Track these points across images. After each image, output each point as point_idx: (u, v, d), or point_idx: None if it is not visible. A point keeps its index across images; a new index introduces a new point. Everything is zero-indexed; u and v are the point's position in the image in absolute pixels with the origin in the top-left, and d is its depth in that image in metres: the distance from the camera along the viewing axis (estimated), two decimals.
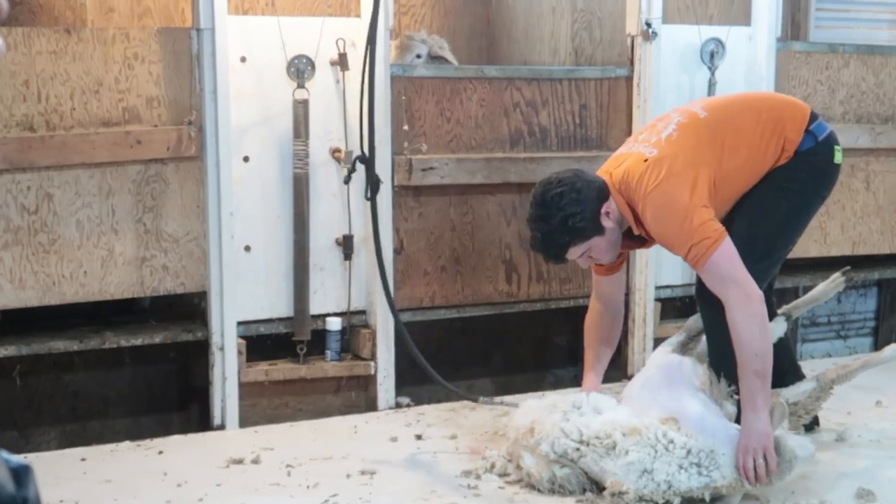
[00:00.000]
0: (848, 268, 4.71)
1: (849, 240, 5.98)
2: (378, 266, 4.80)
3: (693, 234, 3.83)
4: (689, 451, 3.81)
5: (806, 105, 4.29)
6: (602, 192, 4.02)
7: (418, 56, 5.63)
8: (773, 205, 4.11)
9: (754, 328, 3.79)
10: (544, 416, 4.01)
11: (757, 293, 3.83)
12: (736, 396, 3.99)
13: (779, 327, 4.40)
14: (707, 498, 3.81)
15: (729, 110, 4.20)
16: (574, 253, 4.04)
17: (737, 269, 3.83)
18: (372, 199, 4.77)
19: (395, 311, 4.83)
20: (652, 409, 3.97)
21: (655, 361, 4.26)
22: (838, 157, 4.21)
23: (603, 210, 4.00)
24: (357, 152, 4.81)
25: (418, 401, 5.20)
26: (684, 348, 4.27)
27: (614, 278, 4.40)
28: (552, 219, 3.97)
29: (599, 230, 4.00)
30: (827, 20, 6.92)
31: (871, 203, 6.03)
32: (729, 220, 4.12)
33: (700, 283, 4.08)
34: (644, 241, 4.19)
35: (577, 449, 3.88)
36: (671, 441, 3.81)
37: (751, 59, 5.62)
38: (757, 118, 4.14)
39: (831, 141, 4.21)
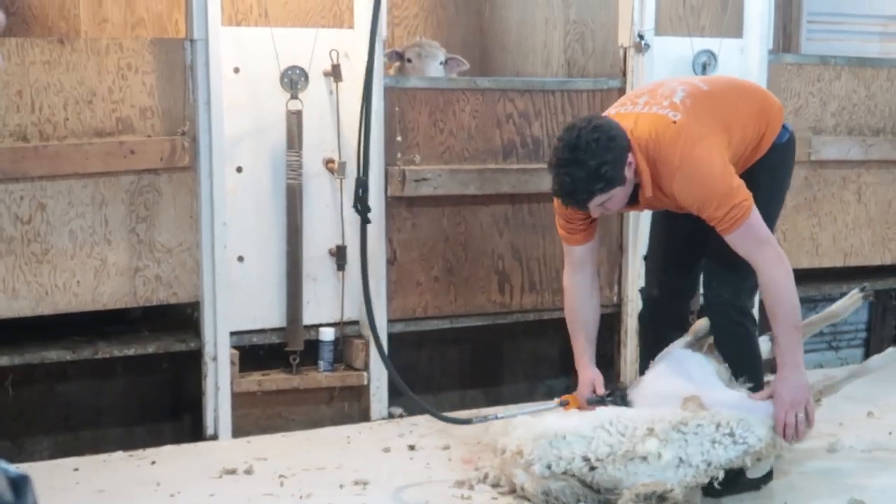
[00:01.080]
0: (865, 285, 4.73)
1: (840, 251, 6.00)
2: (363, 283, 4.80)
3: (733, 196, 3.87)
4: (718, 425, 3.84)
5: (778, 100, 4.36)
6: (628, 144, 3.95)
7: (442, 63, 5.66)
8: (765, 204, 4.10)
9: (791, 284, 3.92)
10: (532, 441, 4.00)
11: (784, 254, 3.95)
12: (748, 385, 4.05)
13: (851, 301, 4.60)
14: (749, 464, 3.85)
15: (727, 90, 4.23)
16: (597, 201, 3.94)
17: (767, 231, 3.93)
18: (362, 225, 4.80)
19: (375, 327, 4.80)
20: (670, 398, 3.98)
21: (666, 357, 4.26)
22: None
23: (628, 160, 3.93)
24: (351, 163, 4.82)
25: (411, 411, 5.19)
26: (694, 348, 4.28)
27: (589, 246, 4.31)
28: (586, 164, 3.84)
29: (623, 181, 3.93)
30: (818, 33, 6.95)
31: (862, 215, 6.05)
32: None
33: (711, 292, 4.13)
34: (635, 202, 4.13)
35: (592, 468, 3.87)
36: (698, 424, 3.83)
37: (743, 71, 5.63)
38: (751, 102, 4.19)
39: (794, 138, 4.32)
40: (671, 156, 3.92)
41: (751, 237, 3.90)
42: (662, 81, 4.31)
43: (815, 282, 6.13)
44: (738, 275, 4.12)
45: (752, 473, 4.00)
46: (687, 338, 4.32)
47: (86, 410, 4.97)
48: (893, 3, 7.20)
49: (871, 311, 6.72)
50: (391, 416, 5.10)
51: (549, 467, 3.90)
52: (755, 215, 3.88)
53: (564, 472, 3.88)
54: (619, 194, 3.97)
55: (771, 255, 3.90)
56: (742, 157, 4.14)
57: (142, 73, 4.58)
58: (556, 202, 4.16)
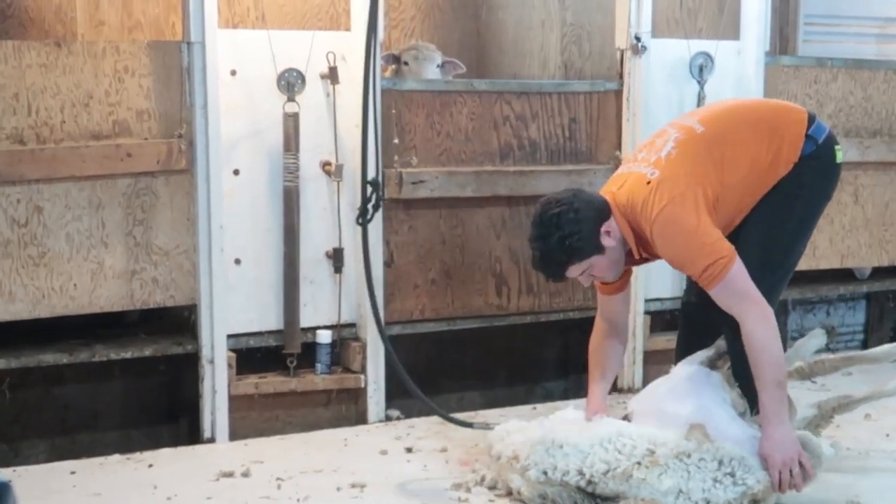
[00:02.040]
0: None
1: (837, 253, 6.00)
2: (367, 285, 4.81)
3: (707, 255, 3.85)
4: (720, 462, 3.81)
5: (802, 108, 4.29)
6: (602, 212, 4.00)
7: (439, 66, 5.66)
8: (785, 214, 4.11)
9: (773, 341, 3.85)
10: (528, 447, 3.99)
11: (769, 308, 3.89)
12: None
13: (816, 341, 4.54)
14: None
15: (726, 123, 4.17)
16: (574, 272, 4.02)
17: (750, 285, 3.87)
18: (363, 223, 4.80)
19: (383, 330, 4.82)
20: (676, 420, 3.97)
21: (681, 372, 4.22)
22: (839, 157, 4.23)
23: (603, 229, 3.97)
24: (348, 165, 4.83)
25: (408, 414, 5.20)
26: (713, 364, 4.25)
27: (620, 297, 4.36)
28: (550, 238, 3.95)
29: (599, 249, 3.98)
30: (815, 34, 6.95)
31: (859, 216, 6.06)
32: (741, 233, 4.13)
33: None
34: (647, 259, 4.18)
35: (589, 482, 3.86)
36: (701, 458, 3.82)
37: (739, 73, 5.65)
38: (755, 130, 4.13)
39: (831, 142, 4.21)
40: (644, 220, 3.96)
41: (730, 293, 3.88)
42: (663, 129, 4.26)
43: (813, 283, 6.14)
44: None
45: None
46: (708, 352, 4.27)
47: (83, 413, 4.97)
48: (890, 5, 7.20)
49: (869, 312, 6.73)
50: (388, 418, 5.10)
51: (544, 473, 3.90)
52: (735, 270, 3.85)
53: (560, 481, 3.88)
54: (602, 262, 4.03)
55: (753, 311, 3.86)
56: (760, 182, 4.11)
57: (138, 76, 4.58)
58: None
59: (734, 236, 4.08)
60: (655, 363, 5.61)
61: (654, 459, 3.82)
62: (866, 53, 7.01)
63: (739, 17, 5.67)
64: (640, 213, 3.96)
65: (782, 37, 6.75)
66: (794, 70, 5.86)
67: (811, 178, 4.16)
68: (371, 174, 4.84)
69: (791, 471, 3.82)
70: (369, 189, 4.82)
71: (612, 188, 4.12)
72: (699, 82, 5.53)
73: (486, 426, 4.66)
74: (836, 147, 4.22)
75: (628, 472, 3.81)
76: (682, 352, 4.42)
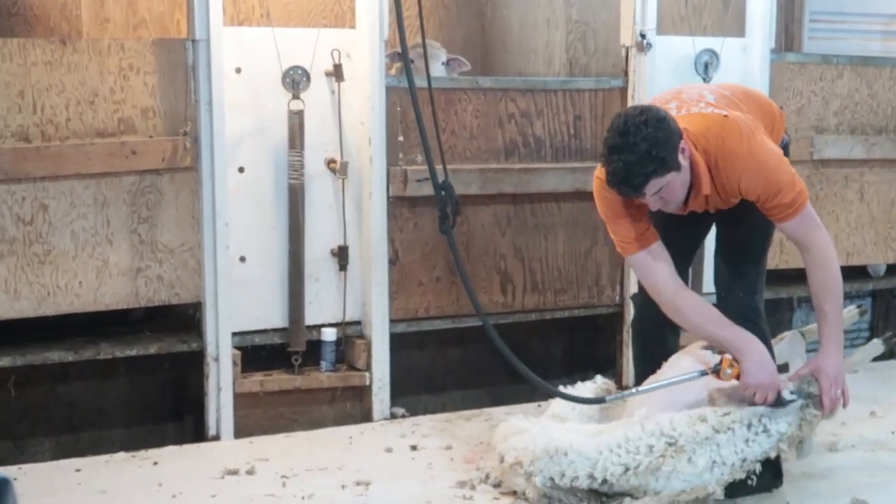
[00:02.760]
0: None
1: (843, 251, 5.99)
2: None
3: (796, 184, 3.93)
4: (749, 425, 3.85)
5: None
6: (679, 129, 3.88)
7: (443, 63, 5.65)
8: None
9: (838, 268, 4.01)
10: (531, 454, 3.97)
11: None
12: None
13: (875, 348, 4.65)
14: (786, 448, 3.90)
15: (742, 96, 4.24)
16: (653, 187, 3.82)
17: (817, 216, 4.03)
18: (448, 232, 4.52)
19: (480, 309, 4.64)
20: (690, 395, 4.00)
21: (684, 357, 4.21)
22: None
23: (681, 146, 3.85)
24: (352, 163, 4.83)
25: (413, 411, 5.20)
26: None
27: (659, 248, 4.09)
28: (637, 146, 3.74)
29: (677, 165, 3.84)
30: (821, 32, 6.95)
31: (864, 214, 6.05)
32: (729, 221, 4.17)
33: (725, 292, 4.20)
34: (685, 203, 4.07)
35: (604, 482, 3.86)
36: (729, 428, 3.84)
37: (745, 70, 5.64)
38: (760, 107, 4.21)
39: (789, 144, 4.40)
40: (737, 147, 3.90)
41: (809, 220, 3.97)
42: (680, 89, 4.27)
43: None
44: (752, 275, 4.18)
45: (799, 454, 4.07)
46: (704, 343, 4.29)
47: (88, 411, 4.98)
48: (895, 1, 7.19)
49: (874, 310, 6.72)
50: (393, 416, 5.10)
51: (551, 479, 3.89)
52: (808, 203, 3.97)
53: (568, 486, 3.88)
54: (676, 181, 3.87)
55: (826, 237, 4.00)
56: None
57: (143, 74, 4.58)
58: (611, 215, 4.06)
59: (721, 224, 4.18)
60: None
61: (678, 448, 3.82)
62: (872, 50, 7.00)
63: (745, 14, 5.66)
64: (732, 142, 3.90)
65: (788, 34, 6.75)
66: (799, 67, 5.85)
67: None
68: (376, 171, 4.84)
69: (835, 393, 3.95)
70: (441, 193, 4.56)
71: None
72: (704, 79, 5.51)
73: (622, 395, 4.29)
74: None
75: (654, 466, 3.81)
76: (650, 350, 4.40)
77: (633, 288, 5.42)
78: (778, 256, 5.63)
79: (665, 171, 3.80)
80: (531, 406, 5.20)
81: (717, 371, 3.94)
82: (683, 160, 3.86)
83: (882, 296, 6.69)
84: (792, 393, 3.91)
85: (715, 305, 4.15)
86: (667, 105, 4.10)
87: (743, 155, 3.89)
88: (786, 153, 4.21)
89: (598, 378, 4.52)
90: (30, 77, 4.40)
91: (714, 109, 4.02)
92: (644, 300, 4.40)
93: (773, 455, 3.91)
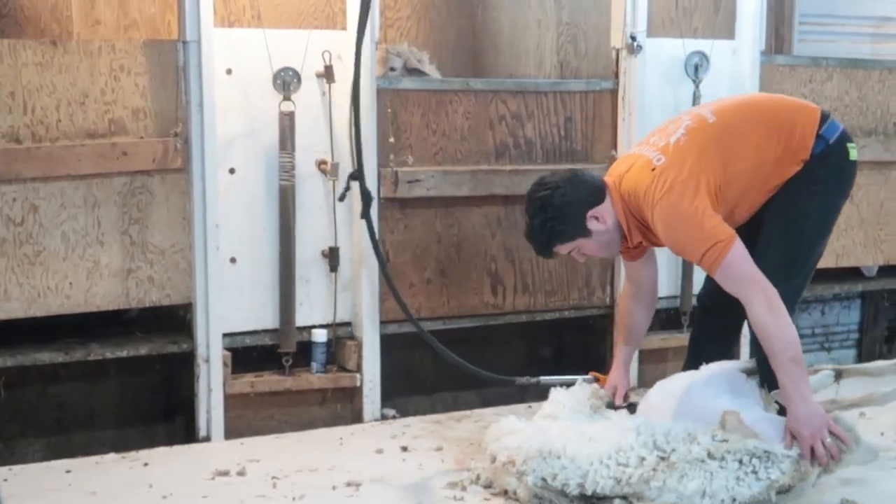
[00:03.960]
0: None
1: (832, 252, 6.00)
2: (386, 280, 4.83)
3: (705, 239, 3.91)
4: (740, 462, 3.83)
5: (816, 107, 4.33)
6: (594, 197, 4.13)
7: (392, 69, 5.66)
8: (801, 213, 4.15)
9: (781, 320, 3.86)
10: (524, 453, 3.98)
11: (773, 288, 3.90)
12: None
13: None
14: (773, 498, 3.83)
15: (737, 115, 4.23)
16: (561, 250, 4.21)
17: (751, 267, 3.92)
18: (365, 215, 4.74)
19: (414, 320, 4.83)
20: (704, 412, 4.00)
21: (716, 369, 4.23)
22: (853, 154, 4.28)
23: (590, 214, 4.11)
24: (343, 164, 4.83)
25: (404, 412, 5.20)
26: (749, 374, 4.27)
27: (642, 262, 4.46)
28: (534, 219, 4.16)
29: (584, 233, 4.14)
30: (810, 34, 6.96)
31: (854, 216, 6.06)
32: (761, 234, 4.18)
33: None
34: (642, 245, 4.29)
35: (594, 494, 3.87)
36: (722, 458, 3.83)
37: (735, 72, 5.65)
38: (766, 124, 4.18)
39: (844, 139, 4.25)
40: (646, 205, 4.05)
41: (732, 276, 3.92)
42: (678, 116, 4.36)
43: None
44: (774, 280, 4.10)
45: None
46: (746, 363, 4.29)
47: (78, 412, 4.97)
48: (885, 4, 7.21)
49: (864, 311, 6.74)
50: (384, 417, 5.11)
51: (543, 480, 3.90)
52: (734, 253, 3.88)
53: (559, 489, 3.89)
54: (589, 245, 4.19)
55: (754, 292, 3.88)
56: (766, 178, 4.16)
57: (134, 75, 4.58)
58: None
59: (752, 239, 4.12)
60: (651, 362, 5.62)
61: (670, 464, 3.83)
62: (861, 53, 7.02)
63: (735, 16, 5.67)
64: (643, 198, 4.04)
65: (778, 36, 6.76)
66: (789, 69, 5.87)
67: (825, 175, 4.20)
68: (368, 172, 4.84)
69: (824, 443, 3.87)
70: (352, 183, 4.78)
71: (622, 168, 4.21)
72: (694, 82, 5.53)
73: (528, 382, 4.91)
74: (850, 145, 4.27)
75: (646, 477, 3.81)
76: (695, 348, 4.53)
77: (622, 289, 5.44)
78: None
79: (566, 241, 4.16)
80: (521, 407, 5.21)
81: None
82: (597, 225, 4.13)
83: (871, 297, 6.70)
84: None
85: None
86: (651, 137, 4.27)
87: (648, 212, 4.04)
88: (827, 155, 4.18)
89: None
90: (20, 78, 4.39)
91: (655, 156, 4.08)
92: (708, 302, 4.51)
93: (764, 500, 3.81)
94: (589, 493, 3.86)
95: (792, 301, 4.14)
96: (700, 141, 4.10)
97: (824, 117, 4.24)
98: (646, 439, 3.91)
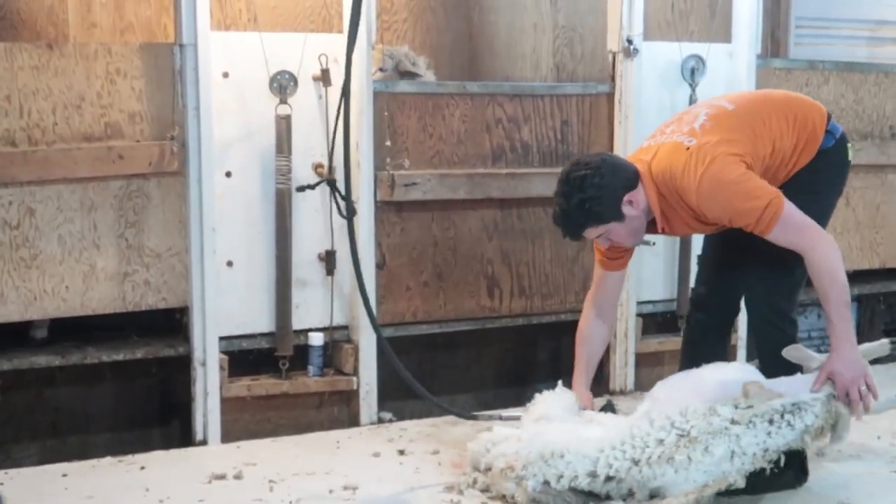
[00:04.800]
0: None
1: None
2: (358, 285, 4.79)
3: (759, 198, 3.93)
4: (771, 422, 3.84)
5: (821, 105, 4.38)
6: (630, 181, 4.08)
7: (381, 70, 5.64)
8: (804, 208, 4.11)
9: (839, 264, 3.96)
10: (524, 457, 3.96)
11: (828, 234, 4.01)
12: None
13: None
14: (810, 441, 3.88)
15: (754, 104, 4.26)
16: (591, 234, 4.13)
17: (804, 216, 3.97)
18: (349, 220, 4.71)
19: (377, 327, 4.82)
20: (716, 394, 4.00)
21: (724, 365, 4.25)
22: (850, 154, 4.35)
23: (626, 198, 4.06)
24: (340, 168, 4.83)
25: (401, 416, 5.20)
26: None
27: (617, 276, 4.44)
28: (571, 198, 4.04)
29: (618, 217, 4.07)
30: (806, 37, 6.97)
31: (850, 219, 6.07)
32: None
33: (748, 292, 4.29)
34: (666, 232, 4.28)
35: (609, 479, 3.84)
36: (750, 421, 3.83)
37: (731, 75, 5.66)
38: (783, 114, 4.21)
39: (845, 139, 4.33)
40: (688, 182, 4.00)
41: (790, 228, 3.95)
42: (689, 109, 4.39)
43: (804, 286, 6.13)
44: (772, 274, 4.22)
45: (833, 441, 4.05)
46: (750, 364, 4.33)
47: (74, 416, 4.97)
48: (881, 8, 7.22)
49: (860, 315, 6.74)
50: (381, 420, 5.10)
51: (545, 483, 3.88)
52: (787, 207, 3.94)
53: (570, 488, 3.86)
54: (620, 230, 4.12)
55: (814, 236, 3.96)
56: (781, 166, 4.19)
57: (130, 78, 4.58)
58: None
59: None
60: (647, 365, 5.62)
61: (691, 439, 3.81)
62: (857, 56, 7.03)
63: (731, 19, 5.68)
64: (682, 178, 4.01)
65: (773, 39, 6.77)
66: (785, 73, 5.88)
67: (827, 172, 4.27)
68: (364, 175, 4.85)
69: (860, 390, 3.93)
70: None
71: (645, 157, 4.17)
72: (691, 85, 5.54)
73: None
74: (849, 145, 4.35)
75: (668, 454, 3.79)
76: (690, 348, 4.55)
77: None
78: None
79: (600, 223, 4.08)
80: (518, 411, 5.19)
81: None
82: (631, 210, 4.08)
83: (867, 300, 6.71)
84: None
85: None
86: (665, 128, 4.27)
87: (693, 187, 3.99)
88: (834, 151, 4.24)
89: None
90: (16, 81, 4.39)
91: (685, 139, 4.08)
92: (701, 300, 4.52)
93: (798, 447, 3.88)
94: (602, 478, 3.82)
95: (794, 293, 4.26)
96: (726, 123, 4.12)
97: (828, 116, 4.31)
98: (662, 423, 3.88)
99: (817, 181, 4.21)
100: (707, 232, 4.33)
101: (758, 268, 4.27)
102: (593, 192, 4.01)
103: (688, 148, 4.04)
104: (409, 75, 5.67)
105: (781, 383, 4.00)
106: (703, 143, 4.03)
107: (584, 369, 4.48)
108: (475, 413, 5.02)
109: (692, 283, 5.45)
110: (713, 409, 3.87)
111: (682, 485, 3.79)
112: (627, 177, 4.08)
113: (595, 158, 4.13)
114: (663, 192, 4.09)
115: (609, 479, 3.83)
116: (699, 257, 4.69)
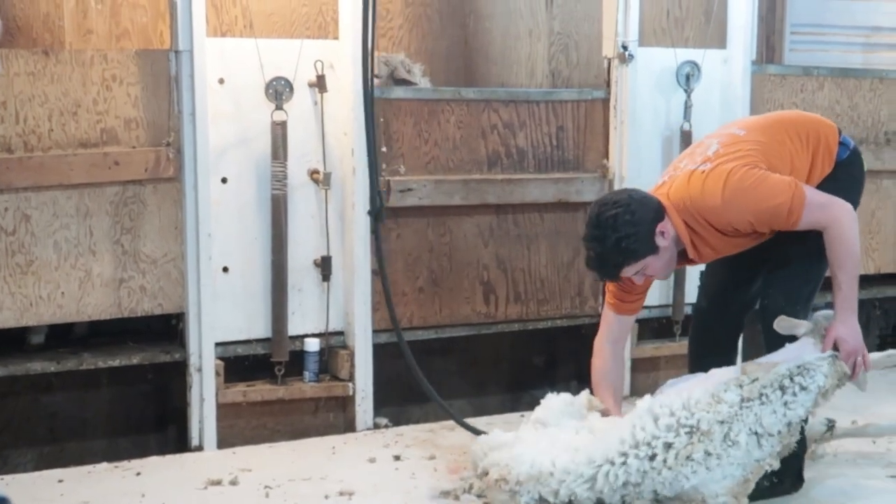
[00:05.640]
0: None
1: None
2: (384, 289, 4.86)
3: (784, 192, 3.95)
4: (783, 389, 3.87)
5: (830, 120, 4.42)
6: (658, 213, 4.04)
7: (376, 76, 5.64)
8: None
9: (857, 237, 4.04)
10: (516, 474, 3.92)
11: (849, 204, 4.05)
12: None
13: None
14: (822, 402, 3.95)
15: (768, 129, 4.26)
16: (629, 272, 4.06)
17: (823, 195, 4.02)
18: (375, 220, 4.84)
19: (400, 332, 4.89)
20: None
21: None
22: (865, 164, 4.43)
23: (658, 230, 4.02)
24: (336, 173, 4.85)
25: (396, 421, 5.20)
26: None
27: (629, 319, 4.41)
28: (606, 240, 3.97)
29: (653, 250, 4.02)
30: (801, 43, 6.98)
31: None
32: (782, 242, 4.18)
33: (766, 300, 4.24)
34: (691, 260, 4.25)
35: (626, 483, 3.81)
36: (761, 394, 3.84)
37: (726, 81, 5.67)
38: (797, 132, 4.23)
39: (858, 150, 4.40)
40: (712, 200, 3.99)
41: (814, 211, 3.98)
42: (700, 141, 4.36)
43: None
44: (793, 283, 4.20)
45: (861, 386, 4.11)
46: None
47: (71, 422, 4.96)
48: (876, 14, 7.23)
49: None
50: (376, 426, 5.10)
51: (543, 500, 3.85)
52: (807, 190, 3.97)
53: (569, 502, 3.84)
54: (655, 262, 4.07)
55: (835, 211, 3.99)
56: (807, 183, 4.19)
57: (126, 85, 4.58)
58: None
59: (771, 248, 4.18)
60: (643, 371, 5.63)
61: (704, 432, 3.79)
62: (852, 62, 7.03)
63: (726, 26, 5.69)
64: (703, 199, 4.00)
65: (769, 46, 6.77)
66: (780, 79, 5.89)
67: (847, 184, 4.28)
68: (359, 181, 4.85)
69: (857, 359, 4.04)
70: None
71: (662, 190, 4.15)
72: (686, 91, 5.55)
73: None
74: (861, 155, 4.41)
75: (686, 453, 3.76)
76: (695, 358, 4.50)
77: None
78: None
79: (637, 259, 4.02)
80: (514, 416, 5.21)
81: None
82: (663, 241, 4.04)
83: (863, 306, 6.67)
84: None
85: None
86: (679, 163, 4.26)
87: (718, 204, 3.99)
88: (850, 162, 4.28)
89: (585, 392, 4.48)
90: (12, 88, 4.40)
91: (700, 166, 4.08)
92: (708, 307, 4.52)
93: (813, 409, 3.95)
94: (605, 489, 3.78)
95: (807, 302, 4.25)
96: (740, 149, 4.11)
97: (838, 130, 4.36)
98: (667, 422, 3.83)
99: (838, 189, 4.19)
100: (732, 252, 4.23)
101: (778, 278, 4.24)
102: (628, 230, 3.96)
103: (703, 172, 4.04)
104: (404, 83, 5.67)
105: (777, 355, 4.03)
106: (717, 164, 4.04)
107: (615, 407, 4.32)
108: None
109: (687, 290, 5.48)
110: (716, 396, 3.85)
111: (720, 481, 3.79)
112: (655, 208, 4.04)
113: (622, 196, 4.08)
114: (686, 220, 4.06)
115: (625, 484, 3.80)
116: (702, 273, 4.67)
